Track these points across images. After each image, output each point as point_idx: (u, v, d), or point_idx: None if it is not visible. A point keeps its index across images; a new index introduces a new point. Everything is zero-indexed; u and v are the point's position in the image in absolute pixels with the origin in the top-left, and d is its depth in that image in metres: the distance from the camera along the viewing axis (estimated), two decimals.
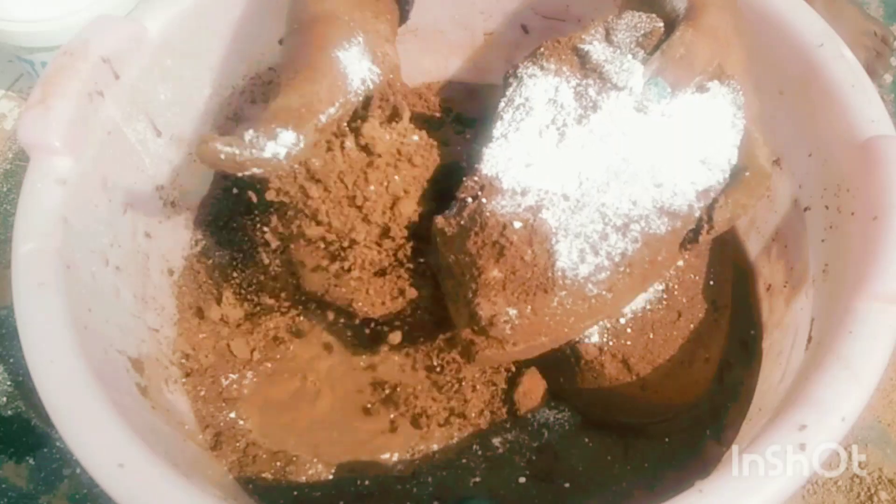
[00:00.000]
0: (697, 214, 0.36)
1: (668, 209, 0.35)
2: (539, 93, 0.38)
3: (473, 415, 0.47)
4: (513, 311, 0.34)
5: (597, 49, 0.38)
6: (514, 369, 0.47)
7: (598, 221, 0.35)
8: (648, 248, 0.35)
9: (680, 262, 0.44)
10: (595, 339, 0.43)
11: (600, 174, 0.36)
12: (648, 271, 0.36)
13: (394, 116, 0.38)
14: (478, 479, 0.46)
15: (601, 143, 0.36)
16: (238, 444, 0.47)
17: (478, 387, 0.47)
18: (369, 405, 0.48)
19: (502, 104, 0.38)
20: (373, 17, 0.38)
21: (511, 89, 0.39)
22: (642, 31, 0.38)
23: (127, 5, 0.67)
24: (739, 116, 0.37)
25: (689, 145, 0.37)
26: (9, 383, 0.61)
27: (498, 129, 0.37)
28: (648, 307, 0.44)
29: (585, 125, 0.36)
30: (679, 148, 0.36)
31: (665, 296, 0.44)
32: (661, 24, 0.38)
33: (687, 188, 0.36)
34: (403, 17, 0.43)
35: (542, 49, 0.39)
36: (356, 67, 0.36)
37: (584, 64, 0.38)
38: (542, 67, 0.38)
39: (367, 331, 0.51)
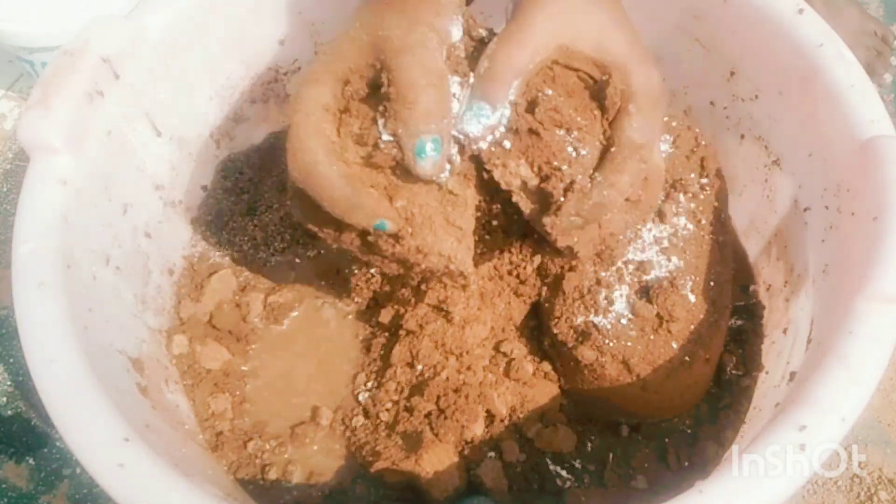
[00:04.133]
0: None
1: None
2: None
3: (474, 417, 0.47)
4: None
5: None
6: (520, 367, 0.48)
7: None
8: None
9: (681, 263, 0.44)
10: (595, 340, 0.43)
11: None
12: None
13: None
14: (478, 480, 0.46)
15: None
16: (238, 444, 0.47)
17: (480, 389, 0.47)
18: (369, 408, 0.48)
19: None
20: None
21: None
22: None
23: (127, 5, 0.67)
24: None
25: None
26: (9, 383, 0.61)
27: None
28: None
29: None
30: None
31: None
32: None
33: None
34: None
35: None
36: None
37: None
38: None
39: (370, 330, 0.51)
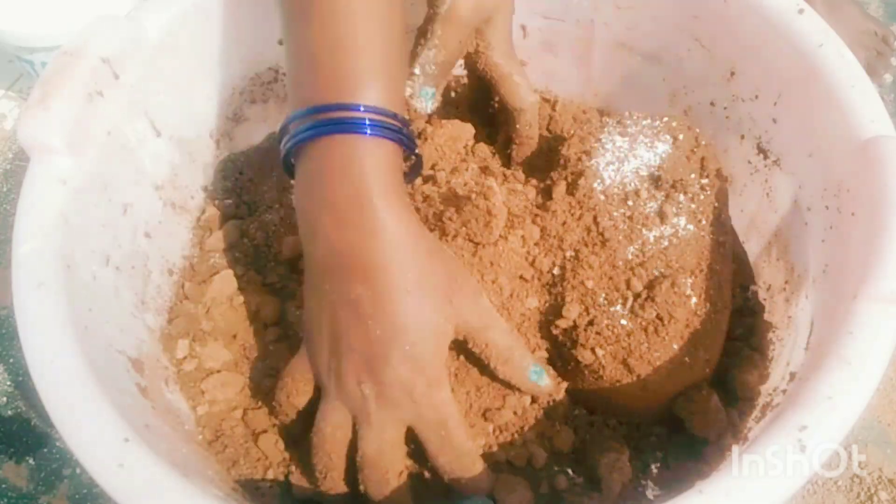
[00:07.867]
0: None
1: None
2: None
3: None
4: None
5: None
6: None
7: None
8: None
9: (681, 263, 0.44)
10: (595, 339, 0.43)
11: None
12: None
13: None
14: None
15: None
16: (238, 445, 0.47)
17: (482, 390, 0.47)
18: None
19: None
20: None
21: None
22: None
23: (127, 5, 0.67)
24: None
25: None
26: (9, 383, 0.61)
27: None
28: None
29: None
30: None
31: None
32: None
33: None
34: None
35: None
36: None
37: None
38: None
39: None
